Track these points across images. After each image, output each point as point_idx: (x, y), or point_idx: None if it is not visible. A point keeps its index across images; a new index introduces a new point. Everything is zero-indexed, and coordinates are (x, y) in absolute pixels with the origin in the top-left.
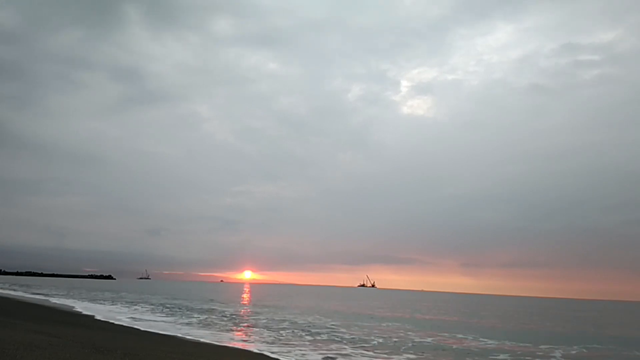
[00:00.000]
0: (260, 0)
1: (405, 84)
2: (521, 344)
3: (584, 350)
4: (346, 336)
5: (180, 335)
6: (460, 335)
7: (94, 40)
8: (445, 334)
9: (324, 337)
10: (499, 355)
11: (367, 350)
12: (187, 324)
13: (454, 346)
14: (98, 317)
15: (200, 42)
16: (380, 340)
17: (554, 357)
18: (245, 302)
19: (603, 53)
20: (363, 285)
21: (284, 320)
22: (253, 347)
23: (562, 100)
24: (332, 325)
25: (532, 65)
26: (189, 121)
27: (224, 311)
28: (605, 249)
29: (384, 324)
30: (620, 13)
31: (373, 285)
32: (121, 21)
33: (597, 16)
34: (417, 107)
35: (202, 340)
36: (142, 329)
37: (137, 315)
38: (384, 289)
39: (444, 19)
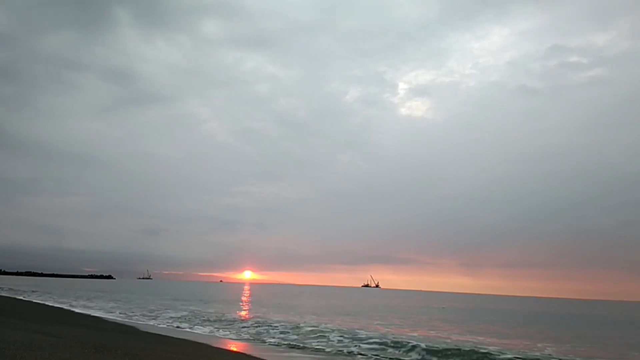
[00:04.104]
0: (250, 3)
1: (402, 86)
2: (513, 341)
3: (580, 349)
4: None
5: (179, 335)
6: (451, 333)
7: (86, 42)
8: (433, 332)
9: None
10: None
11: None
12: (188, 323)
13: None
14: (97, 317)
15: (191, 44)
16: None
17: (548, 354)
18: (244, 302)
19: (597, 55)
20: (367, 286)
21: (278, 321)
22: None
23: (558, 101)
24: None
25: (528, 67)
26: (189, 122)
27: (220, 312)
28: (603, 249)
29: (377, 323)
30: (612, 16)
31: (377, 286)
32: (112, 23)
33: (591, 19)
34: (415, 108)
35: (202, 340)
36: (142, 329)
37: (137, 315)
38: (388, 289)
39: (440, 22)
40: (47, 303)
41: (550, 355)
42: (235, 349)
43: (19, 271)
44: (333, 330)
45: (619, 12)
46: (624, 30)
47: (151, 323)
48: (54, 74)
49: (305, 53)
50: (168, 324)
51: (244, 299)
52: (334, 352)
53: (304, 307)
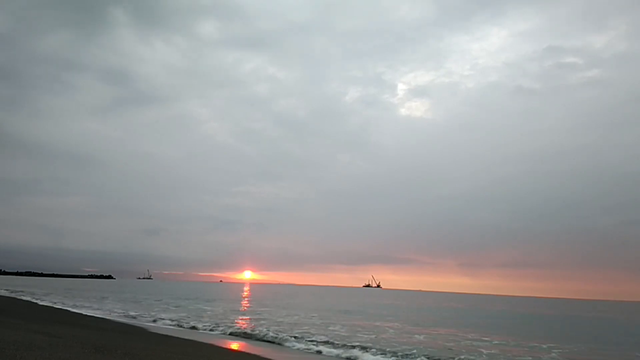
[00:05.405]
0: (248, 4)
1: (401, 87)
2: (515, 342)
3: (581, 349)
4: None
5: (180, 335)
6: (443, 333)
7: (84, 43)
8: (424, 333)
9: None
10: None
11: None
12: (188, 323)
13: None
14: (97, 317)
15: (189, 45)
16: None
17: (551, 355)
18: (244, 302)
19: (594, 56)
20: (368, 286)
21: (279, 322)
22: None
23: (557, 102)
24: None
25: (526, 68)
26: (189, 123)
27: (221, 312)
28: (603, 249)
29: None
30: (608, 17)
31: (378, 286)
32: (110, 24)
33: (587, 20)
34: (415, 109)
35: (202, 339)
36: (142, 328)
37: (137, 315)
38: (388, 289)
39: (438, 23)
40: (47, 303)
41: (553, 357)
42: (235, 349)
43: (19, 271)
44: (334, 331)
45: (615, 14)
46: (621, 32)
47: (151, 323)
48: (53, 75)
49: (305, 54)
50: (168, 324)
51: (244, 298)
52: (338, 348)
53: (305, 306)
